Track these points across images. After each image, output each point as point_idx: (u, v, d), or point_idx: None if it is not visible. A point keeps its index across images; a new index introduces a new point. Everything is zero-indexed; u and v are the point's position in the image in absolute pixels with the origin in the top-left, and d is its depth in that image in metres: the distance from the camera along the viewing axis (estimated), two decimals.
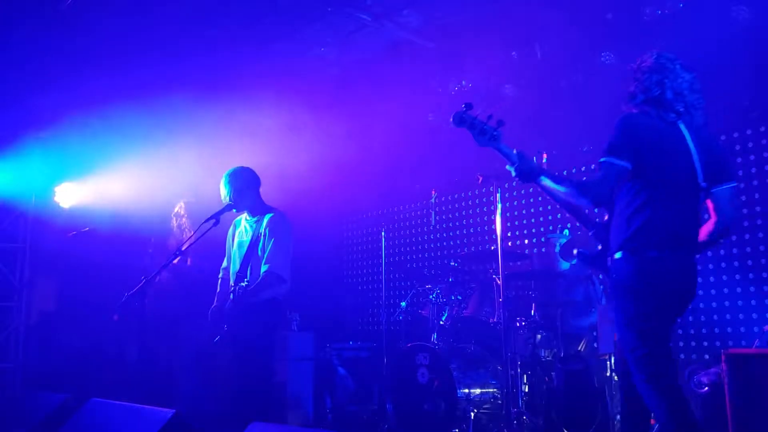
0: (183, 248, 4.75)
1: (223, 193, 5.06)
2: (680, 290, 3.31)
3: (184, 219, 6.34)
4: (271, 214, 5.04)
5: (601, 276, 5.84)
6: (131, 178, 7.53)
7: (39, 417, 4.32)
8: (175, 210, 6.47)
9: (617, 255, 3.29)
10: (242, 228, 5.18)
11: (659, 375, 3.19)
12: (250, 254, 4.99)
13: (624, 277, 3.25)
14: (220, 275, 5.29)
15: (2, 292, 7.57)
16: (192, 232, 6.19)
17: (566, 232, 6.03)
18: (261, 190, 5.18)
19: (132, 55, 6.49)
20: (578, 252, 3.51)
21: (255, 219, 5.11)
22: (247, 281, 4.68)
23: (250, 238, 5.04)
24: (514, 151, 3.33)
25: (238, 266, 5.01)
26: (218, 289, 5.24)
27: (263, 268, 4.76)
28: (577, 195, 3.23)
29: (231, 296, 4.76)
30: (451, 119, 3.35)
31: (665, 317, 3.29)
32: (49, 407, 4.33)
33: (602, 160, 3.25)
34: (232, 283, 5.00)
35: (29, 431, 4.23)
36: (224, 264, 5.30)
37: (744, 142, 6.01)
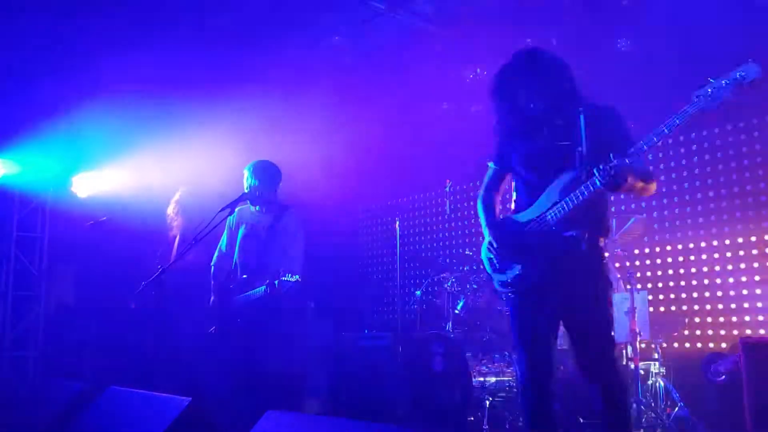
0: (199, 237, 4.76)
1: (246, 182, 5.04)
2: None
3: (177, 207, 6.31)
4: (289, 213, 5.05)
5: (617, 264, 5.80)
6: (148, 167, 7.56)
7: (58, 404, 4.35)
8: (176, 197, 6.41)
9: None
10: (251, 220, 5.14)
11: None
12: (266, 249, 4.97)
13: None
14: (214, 261, 5.24)
15: (21, 282, 7.65)
16: (179, 220, 6.21)
17: None
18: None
19: (146, 45, 6.50)
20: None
21: (270, 214, 5.08)
22: (289, 282, 4.58)
23: (266, 233, 5.03)
24: None
25: (245, 258, 5.01)
26: (212, 279, 5.18)
27: (291, 275, 4.65)
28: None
29: (265, 288, 4.69)
30: None
31: None
32: (68, 395, 4.37)
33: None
34: (243, 276, 4.98)
35: (48, 419, 4.27)
36: (223, 249, 5.24)
37: (763, 128, 5.95)
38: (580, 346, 3.24)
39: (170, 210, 6.40)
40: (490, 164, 3.64)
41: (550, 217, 3.22)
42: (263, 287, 4.67)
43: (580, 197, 3.10)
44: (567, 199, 3.15)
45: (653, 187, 3.30)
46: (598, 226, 3.27)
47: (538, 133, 3.32)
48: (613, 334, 3.22)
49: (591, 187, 3.05)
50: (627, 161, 2.95)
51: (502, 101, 3.38)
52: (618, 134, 3.21)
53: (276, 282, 4.57)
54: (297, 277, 4.60)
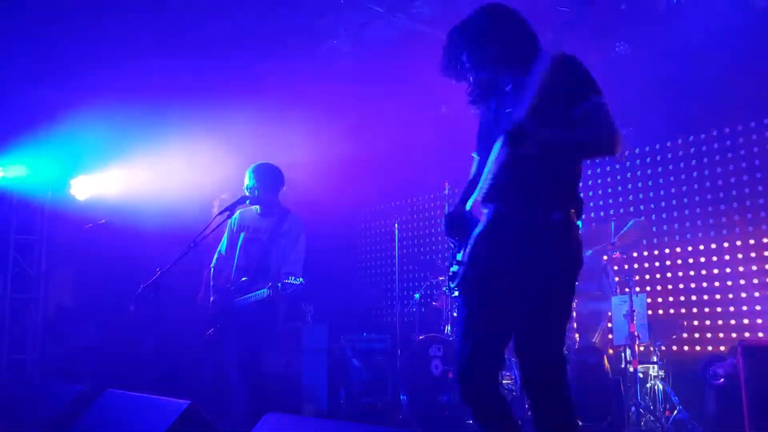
0: (198, 240, 4.76)
1: (247, 184, 5.04)
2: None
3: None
4: (291, 216, 5.05)
5: (616, 267, 5.81)
6: (146, 170, 7.57)
7: (56, 408, 4.35)
8: (224, 197, 6.46)
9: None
10: (252, 223, 5.14)
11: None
12: (267, 253, 4.97)
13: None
14: (214, 263, 5.23)
15: (20, 284, 7.64)
16: None
17: (579, 223, 6.02)
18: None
19: (146, 48, 6.51)
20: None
21: (271, 218, 5.08)
22: (293, 284, 4.57)
23: (267, 236, 5.02)
24: None
25: (245, 261, 5.00)
26: (212, 281, 5.17)
27: (295, 278, 4.63)
28: (601, 143, 2.65)
29: (266, 291, 4.67)
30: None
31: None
32: (66, 398, 4.37)
33: (599, 101, 2.68)
34: (243, 278, 4.97)
35: (47, 422, 4.26)
36: (223, 252, 5.22)
37: (761, 131, 5.96)
38: (521, 358, 2.70)
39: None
40: (474, 155, 3.11)
41: (480, 194, 2.76)
42: (264, 290, 4.67)
43: (498, 165, 2.64)
44: (487, 169, 2.70)
45: (609, 143, 2.66)
46: (551, 198, 2.72)
47: (487, 105, 2.95)
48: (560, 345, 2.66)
49: (505, 150, 2.59)
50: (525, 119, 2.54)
51: (451, 77, 3.00)
52: (571, 83, 2.71)
53: (279, 284, 4.56)
54: (301, 279, 4.60)
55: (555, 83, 2.64)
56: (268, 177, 5.05)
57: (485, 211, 2.78)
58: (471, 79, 2.95)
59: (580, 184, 2.85)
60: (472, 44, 2.87)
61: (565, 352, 5.33)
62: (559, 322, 2.67)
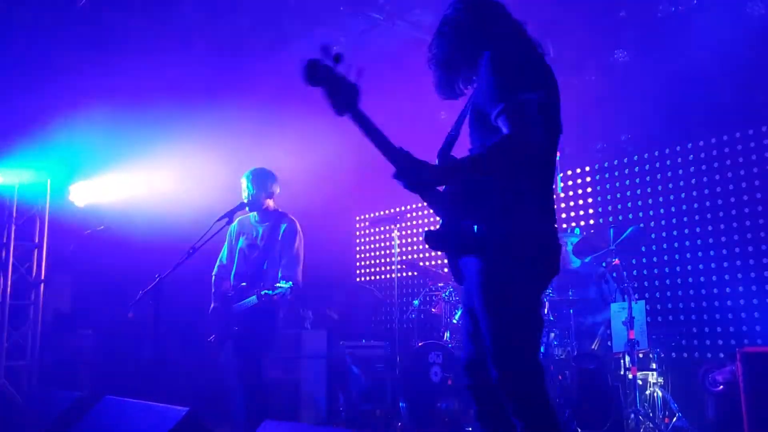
0: (196, 246, 4.76)
1: (245, 190, 5.05)
2: None
3: None
4: (287, 222, 5.05)
5: (614, 274, 5.81)
6: (145, 177, 7.57)
7: (54, 414, 4.35)
8: None
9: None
10: (250, 229, 5.15)
11: None
12: (264, 258, 4.98)
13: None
14: (215, 272, 5.25)
15: (18, 291, 7.61)
16: None
17: (577, 231, 6.03)
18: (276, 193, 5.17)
19: (145, 55, 6.52)
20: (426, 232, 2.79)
21: (267, 223, 5.09)
22: (281, 289, 4.55)
23: (264, 241, 5.03)
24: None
25: (245, 267, 5.01)
26: (213, 289, 5.18)
27: (285, 281, 4.61)
28: (510, 149, 2.43)
29: (255, 299, 4.65)
30: (306, 75, 2.67)
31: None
32: (64, 405, 4.36)
33: (520, 99, 2.41)
34: (242, 284, 4.97)
35: (44, 429, 4.26)
36: (223, 261, 5.24)
37: (759, 138, 5.97)
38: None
39: None
40: None
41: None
42: (254, 297, 4.67)
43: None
44: None
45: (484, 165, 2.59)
46: (479, 211, 2.70)
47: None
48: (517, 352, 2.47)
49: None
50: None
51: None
52: (487, 97, 2.54)
53: (268, 291, 4.54)
54: (290, 283, 4.57)
55: (484, 85, 2.56)
56: (260, 180, 5.07)
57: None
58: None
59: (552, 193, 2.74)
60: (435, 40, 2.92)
61: (563, 357, 5.36)
62: (504, 331, 2.49)
